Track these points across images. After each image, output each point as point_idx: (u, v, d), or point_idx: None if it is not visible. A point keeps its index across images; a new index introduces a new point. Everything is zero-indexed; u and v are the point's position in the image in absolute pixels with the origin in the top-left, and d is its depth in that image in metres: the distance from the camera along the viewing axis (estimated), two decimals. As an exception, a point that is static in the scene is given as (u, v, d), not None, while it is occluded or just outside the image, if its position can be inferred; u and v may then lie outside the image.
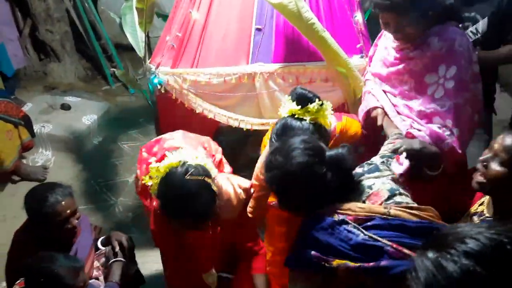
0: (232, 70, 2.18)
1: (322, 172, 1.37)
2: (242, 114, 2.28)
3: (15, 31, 4.21)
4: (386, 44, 1.91)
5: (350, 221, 1.33)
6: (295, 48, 2.20)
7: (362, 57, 2.20)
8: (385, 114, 1.90)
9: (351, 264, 1.29)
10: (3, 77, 3.69)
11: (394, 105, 1.89)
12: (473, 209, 1.58)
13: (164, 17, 2.96)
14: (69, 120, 3.77)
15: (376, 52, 2.02)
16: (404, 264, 1.21)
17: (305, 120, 1.64)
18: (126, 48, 4.43)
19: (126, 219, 3.07)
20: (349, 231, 1.32)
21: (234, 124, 2.29)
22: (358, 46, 2.22)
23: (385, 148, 1.67)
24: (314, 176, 1.37)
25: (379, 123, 1.89)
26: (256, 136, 2.77)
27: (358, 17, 2.23)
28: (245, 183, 1.82)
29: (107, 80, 4.73)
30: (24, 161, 3.46)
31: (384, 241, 1.27)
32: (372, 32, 2.42)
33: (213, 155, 1.97)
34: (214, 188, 1.59)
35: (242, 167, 2.78)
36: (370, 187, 1.43)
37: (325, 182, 1.38)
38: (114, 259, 1.90)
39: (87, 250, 1.93)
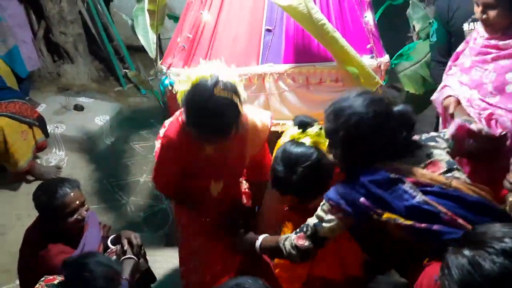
0: (242, 71, 2.19)
1: (392, 124, 1.41)
2: (252, 115, 2.29)
3: (30, 33, 4.28)
4: (475, 35, 1.93)
5: (407, 181, 1.34)
6: (305, 49, 2.21)
7: (372, 57, 2.20)
8: (458, 103, 1.89)
9: (402, 221, 1.30)
10: (17, 79, 3.76)
11: (469, 99, 1.90)
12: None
13: (175, 18, 2.99)
14: (82, 121, 3.83)
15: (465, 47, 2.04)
16: (458, 233, 1.21)
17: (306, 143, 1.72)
18: (138, 50, 4.48)
19: (137, 218, 3.10)
20: (405, 191, 1.32)
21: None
22: (368, 46, 2.21)
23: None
24: (386, 126, 1.40)
25: (450, 111, 1.90)
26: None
27: (369, 17, 2.22)
28: (266, 119, 1.91)
29: (119, 81, 4.79)
30: (38, 161, 3.52)
31: (440, 207, 1.28)
32: (382, 32, 2.42)
33: None
34: (240, 108, 1.62)
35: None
36: (428, 156, 1.43)
37: (392, 135, 1.41)
38: (124, 257, 1.93)
39: (94, 246, 1.96)
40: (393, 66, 2.34)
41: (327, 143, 1.59)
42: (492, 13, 1.82)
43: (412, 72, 2.58)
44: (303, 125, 1.77)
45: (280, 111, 2.26)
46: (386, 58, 2.23)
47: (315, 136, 1.73)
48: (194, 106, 1.59)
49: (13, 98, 3.28)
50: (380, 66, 2.19)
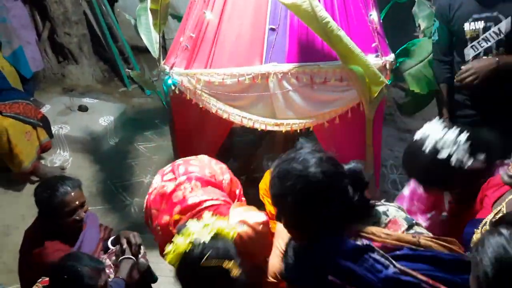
0: (246, 71, 2.17)
1: (344, 184, 1.26)
2: (256, 115, 2.27)
3: (34, 34, 4.30)
4: None
5: (376, 248, 1.19)
6: (309, 48, 2.18)
7: (377, 56, 2.17)
8: None
9: None
10: (22, 79, 3.77)
11: None
12: (489, 218, 1.44)
13: (179, 18, 2.97)
14: (86, 121, 3.83)
15: None
16: None
17: None
18: (142, 50, 4.47)
19: (141, 219, 3.06)
20: (376, 261, 1.17)
21: (248, 124, 2.28)
22: (373, 45, 2.18)
23: None
24: (337, 187, 1.25)
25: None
26: (270, 137, 2.76)
27: (374, 16, 2.19)
28: (261, 217, 1.67)
29: (123, 82, 4.79)
30: (43, 161, 3.52)
31: (420, 276, 1.13)
32: (388, 31, 2.39)
33: (221, 180, 1.90)
34: (234, 271, 1.45)
35: (256, 169, 2.78)
36: (385, 213, 1.30)
37: (345, 196, 1.26)
38: (122, 257, 1.92)
39: (92, 246, 1.97)
40: (398, 64, 2.31)
41: (274, 213, 1.38)
42: None
43: (416, 71, 2.55)
44: None
45: (284, 111, 2.24)
46: (391, 57, 2.20)
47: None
48: (186, 277, 1.50)
49: (17, 98, 3.28)
50: (385, 65, 2.16)
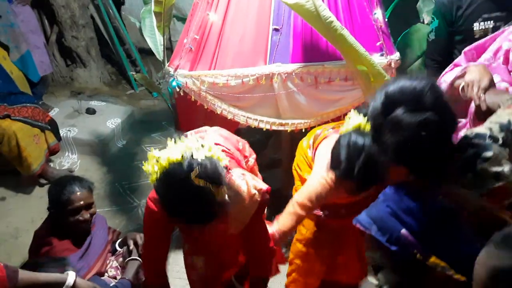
0: (250, 71, 2.17)
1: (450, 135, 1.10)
2: (260, 115, 2.27)
3: (42, 38, 4.34)
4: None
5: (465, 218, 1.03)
6: (313, 48, 2.17)
7: (382, 55, 2.15)
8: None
9: (453, 273, 1.00)
10: (30, 83, 3.81)
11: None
12: None
13: (185, 20, 2.98)
14: (94, 124, 3.85)
15: None
16: None
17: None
18: (149, 53, 4.48)
19: (149, 221, 3.10)
20: (462, 231, 1.02)
21: (254, 124, 2.28)
22: (378, 44, 2.16)
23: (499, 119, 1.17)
24: (446, 135, 1.10)
25: (469, 94, 1.40)
26: (276, 137, 2.75)
27: (378, 14, 2.18)
28: (262, 185, 1.63)
29: (131, 84, 4.82)
30: (51, 164, 3.55)
31: None
32: (393, 29, 2.37)
33: (246, 157, 1.92)
34: (220, 193, 1.39)
35: (262, 168, 2.76)
36: (496, 177, 1.05)
37: (450, 143, 1.10)
38: (129, 258, 1.93)
39: (100, 248, 1.98)
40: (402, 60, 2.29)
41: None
42: None
43: (418, 66, 2.52)
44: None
45: (288, 111, 2.23)
46: (396, 55, 2.18)
47: None
48: (167, 194, 1.38)
49: (25, 102, 3.32)
50: (390, 63, 2.15)
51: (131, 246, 1.98)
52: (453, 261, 1.02)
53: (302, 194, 1.75)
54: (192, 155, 1.36)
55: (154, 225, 1.64)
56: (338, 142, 1.62)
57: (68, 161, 3.66)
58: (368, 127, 1.51)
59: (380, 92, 1.15)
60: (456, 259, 1.02)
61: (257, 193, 1.59)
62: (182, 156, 1.36)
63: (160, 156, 1.39)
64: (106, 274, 1.96)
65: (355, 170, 1.54)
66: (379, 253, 1.13)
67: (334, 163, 1.61)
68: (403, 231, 1.07)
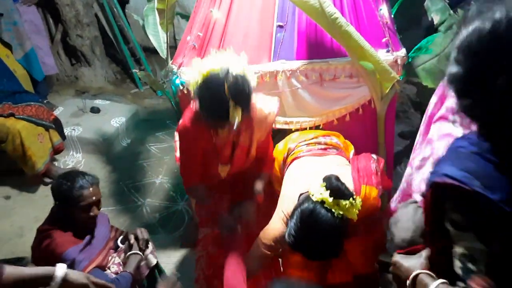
0: (254, 69, 2.13)
1: None
2: (265, 113, 2.24)
3: (46, 39, 4.34)
4: None
5: None
6: (318, 45, 2.14)
7: (388, 51, 2.12)
8: None
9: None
10: (34, 82, 3.81)
11: None
12: None
13: (188, 18, 2.96)
14: (98, 123, 3.85)
15: None
16: None
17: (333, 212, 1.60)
18: (153, 51, 4.44)
19: (153, 220, 3.09)
20: None
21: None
22: (383, 40, 2.13)
23: None
24: None
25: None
26: (281, 136, 2.73)
27: (384, 10, 2.14)
28: (275, 107, 1.96)
29: (135, 83, 4.81)
30: (56, 163, 3.55)
31: None
32: (399, 26, 2.33)
33: None
34: (251, 95, 1.70)
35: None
36: None
37: None
38: (130, 252, 1.95)
39: (101, 243, 1.98)
40: (410, 60, 2.24)
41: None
42: None
43: (431, 66, 2.47)
44: (337, 194, 1.62)
45: (293, 109, 2.20)
46: (402, 52, 2.15)
47: (345, 210, 1.61)
48: (205, 97, 1.67)
49: (29, 101, 3.32)
50: (396, 60, 2.11)
51: (132, 241, 1.99)
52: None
53: (267, 235, 1.90)
54: (228, 69, 1.64)
55: (188, 137, 1.92)
56: (297, 209, 1.67)
57: (73, 160, 3.67)
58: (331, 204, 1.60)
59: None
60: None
61: (271, 113, 1.93)
62: (221, 68, 1.64)
63: (202, 66, 1.67)
64: (108, 270, 1.95)
65: (306, 247, 1.65)
66: (470, 215, 0.94)
67: (289, 231, 1.67)
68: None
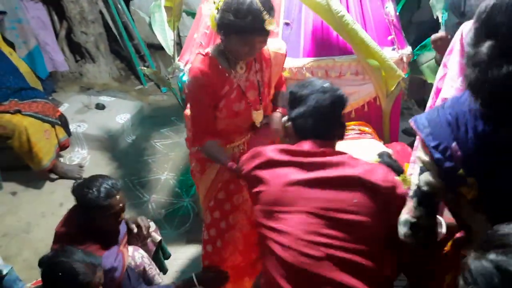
0: (261, 66, 2.15)
1: None
2: (271, 110, 2.25)
3: (53, 35, 4.35)
4: None
5: None
6: (324, 42, 2.15)
7: (394, 49, 2.13)
8: None
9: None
10: (40, 79, 3.83)
11: None
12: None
13: (194, 15, 2.97)
14: (103, 119, 3.87)
15: None
16: None
17: None
18: (158, 48, 4.49)
19: (158, 216, 3.11)
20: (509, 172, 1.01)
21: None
22: (389, 38, 2.14)
23: None
24: None
25: None
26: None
27: (390, 8, 2.15)
28: (284, 46, 1.97)
29: (140, 79, 4.82)
30: (61, 159, 3.58)
31: None
32: (405, 24, 2.34)
33: None
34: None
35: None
36: None
37: None
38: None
39: (122, 240, 1.99)
40: (415, 57, 2.25)
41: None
42: None
43: (435, 64, 2.49)
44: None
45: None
46: (408, 49, 2.16)
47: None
48: (242, 9, 1.62)
49: (35, 97, 3.34)
50: (402, 58, 2.12)
51: (135, 230, 2.01)
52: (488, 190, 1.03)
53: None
54: None
55: (204, 82, 1.79)
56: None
57: (78, 156, 3.69)
58: None
59: None
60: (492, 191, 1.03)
61: (282, 47, 1.96)
62: None
63: None
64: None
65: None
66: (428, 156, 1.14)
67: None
68: (454, 145, 1.07)
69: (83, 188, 1.86)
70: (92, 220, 1.88)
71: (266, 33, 1.69)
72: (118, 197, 1.88)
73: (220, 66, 1.78)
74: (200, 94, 1.81)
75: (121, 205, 1.89)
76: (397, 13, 2.22)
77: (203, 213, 2.19)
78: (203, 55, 1.80)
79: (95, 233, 1.88)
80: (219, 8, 1.65)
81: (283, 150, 1.47)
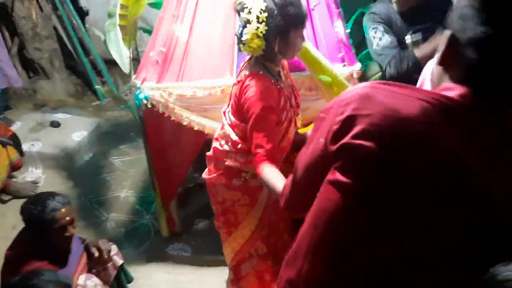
0: (217, 83, 2.19)
1: None
2: (228, 126, 2.29)
3: (5, 51, 4.20)
4: None
5: None
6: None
7: (344, 65, 2.23)
8: None
9: None
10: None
11: None
12: None
13: (151, 32, 2.98)
14: (58, 137, 3.77)
15: None
16: None
17: None
18: (115, 63, 4.41)
19: (118, 235, 3.05)
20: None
21: None
22: (339, 55, 2.24)
23: None
24: None
25: None
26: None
27: (339, 27, 2.25)
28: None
29: (97, 95, 4.74)
30: (14, 180, 3.45)
31: None
32: (360, 39, 2.45)
33: None
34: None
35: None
36: None
37: None
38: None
39: (76, 260, 1.97)
40: (364, 69, 2.37)
41: None
42: None
43: (380, 77, 2.62)
44: None
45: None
46: (357, 66, 2.26)
47: None
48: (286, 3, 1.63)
49: (-15, 117, 3.22)
50: (352, 74, 2.22)
51: (96, 254, 1.99)
52: None
53: None
54: None
55: (269, 111, 1.71)
56: None
57: (32, 177, 3.56)
58: None
59: None
60: None
61: None
62: None
63: None
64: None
65: None
66: None
67: None
68: None
69: (29, 206, 1.87)
70: (40, 237, 1.86)
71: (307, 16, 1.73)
72: (63, 210, 1.87)
73: (272, 80, 1.75)
74: (266, 114, 1.70)
75: (68, 218, 1.88)
76: (347, 31, 2.33)
77: (243, 251, 2.09)
78: (255, 74, 1.73)
79: (44, 252, 1.87)
80: (266, 17, 1.61)
81: None
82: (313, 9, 2.22)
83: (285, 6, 1.62)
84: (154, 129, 2.48)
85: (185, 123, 2.27)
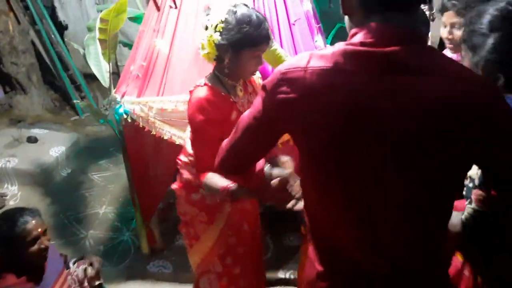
0: (198, 97, 2.18)
1: None
2: (210, 140, 2.28)
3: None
4: None
5: None
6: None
7: (325, 79, 2.25)
8: None
9: None
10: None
11: None
12: None
13: (131, 46, 2.97)
14: (35, 153, 3.69)
15: None
16: None
17: None
18: (94, 78, 4.37)
19: (97, 252, 2.98)
20: None
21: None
22: (320, 69, 2.26)
23: None
24: None
25: None
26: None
27: (319, 41, 2.29)
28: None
29: (76, 110, 4.68)
30: (-11, 197, 3.35)
31: None
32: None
33: None
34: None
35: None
36: None
37: None
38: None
39: (54, 277, 1.90)
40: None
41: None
42: (457, 33, 1.90)
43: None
44: None
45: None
46: (338, 79, 2.29)
47: None
48: (249, 22, 1.61)
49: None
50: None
51: (89, 271, 1.96)
52: None
53: None
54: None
55: (205, 123, 1.68)
56: None
57: (7, 194, 3.47)
58: None
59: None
60: None
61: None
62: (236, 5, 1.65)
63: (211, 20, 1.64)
64: None
65: None
66: None
67: None
68: None
69: None
70: (12, 251, 1.81)
71: (269, 40, 1.68)
72: (34, 221, 1.83)
73: (222, 93, 1.72)
74: (206, 127, 1.68)
75: (40, 229, 1.83)
76: (327, 45, 2.36)
77: (203, 265, 2.04)
78: (201, 86, 1.72)
79: (18, 269, 1.81)
80: (223, 28, 1.60)
81: None
82: (293, 24, 2.25)
83: (243, 23, 1.60)
84: (134, 144, 2.45)
85: (166, 137, 2.25)
